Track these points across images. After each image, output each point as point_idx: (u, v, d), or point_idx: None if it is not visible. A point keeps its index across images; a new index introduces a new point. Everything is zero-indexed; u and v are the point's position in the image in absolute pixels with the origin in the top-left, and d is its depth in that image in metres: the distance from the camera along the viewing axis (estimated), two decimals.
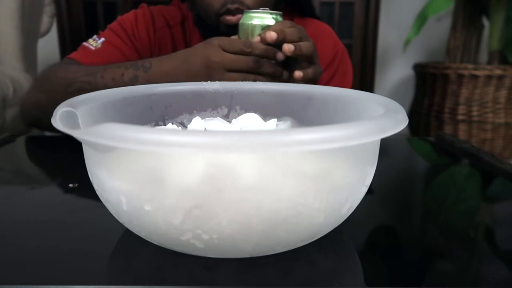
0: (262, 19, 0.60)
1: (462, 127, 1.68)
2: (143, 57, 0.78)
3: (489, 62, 1.70)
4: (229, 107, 0.45)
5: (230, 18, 0.69)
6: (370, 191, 0.32)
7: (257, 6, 0.68)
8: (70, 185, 0.44)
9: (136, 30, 0.78)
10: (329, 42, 0.83)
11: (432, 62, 1.91)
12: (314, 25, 0.85)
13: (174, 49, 0.80)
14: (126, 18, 0.79)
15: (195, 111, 0.44)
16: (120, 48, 0.75)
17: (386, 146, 0.62)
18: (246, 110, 0.45)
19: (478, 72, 1.62)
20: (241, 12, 0.67)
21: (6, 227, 0.36)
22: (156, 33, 0.79)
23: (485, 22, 1.78)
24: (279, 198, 0.25)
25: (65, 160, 0.59)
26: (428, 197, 0.47)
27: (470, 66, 1.64)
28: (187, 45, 0.81)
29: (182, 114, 0.44)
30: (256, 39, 0.58)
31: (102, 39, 0.75)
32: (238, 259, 0.29)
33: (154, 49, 0.79)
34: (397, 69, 2.12)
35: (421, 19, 1.68)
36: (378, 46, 2.05)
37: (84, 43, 0.75)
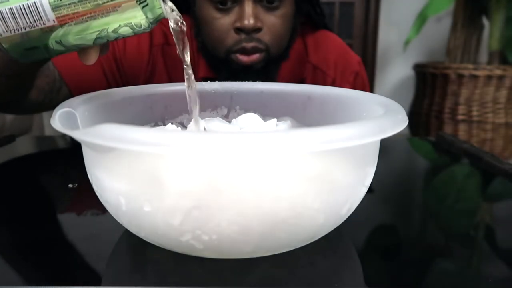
0: None
1: (462, 127, 1.68)
2: (127, 73, 0.67)
3: (489, 62, 1.70)
4: (228, 107, 0.45)
5: (243, 58, 0.60)
6: (370, 191, 0.32)
7: (275, 45, 0.61)
8: (70, 185, 0.44)
9: (122, 43, 0.66)
10: (350, 74, 0.75)
11: (432, 62, 1.91)
12: (332, 44, 0.76)
13: (171, 69, 0.70)
14: None
15: None
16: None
17: (386, 146, 0.61)
18: (246, 110, 0.45)
19: (478, 72, 1.62)
20: (259, 51, 0.60)
21: (6, 227, 0.36)
22: (152, 49, 0.69)
23: (485, 22, 1.77)
24: (279, 199, 0.25)
25: (65, 160, 0.59)
26: (428, 197, 0.47)
27: (470, 66, 1.64)
28: (195, 71, 0.68)
29: (182, 114, 0.44)
30: None
31: None
32: (238, 259, 0.29)
33: (147, 68, 0.69)
34: (397, 69, 2.12)
35: (421, 19, 1.68)
36: (378, 46, 2.04)
37: None
